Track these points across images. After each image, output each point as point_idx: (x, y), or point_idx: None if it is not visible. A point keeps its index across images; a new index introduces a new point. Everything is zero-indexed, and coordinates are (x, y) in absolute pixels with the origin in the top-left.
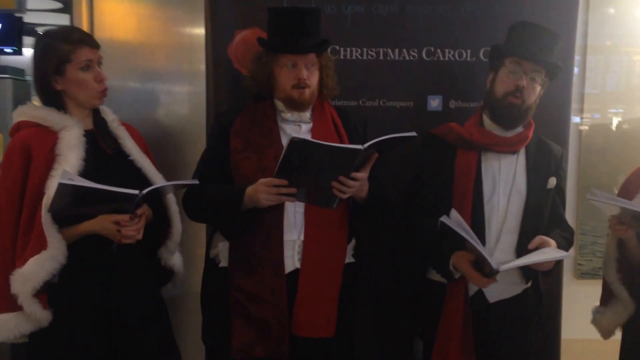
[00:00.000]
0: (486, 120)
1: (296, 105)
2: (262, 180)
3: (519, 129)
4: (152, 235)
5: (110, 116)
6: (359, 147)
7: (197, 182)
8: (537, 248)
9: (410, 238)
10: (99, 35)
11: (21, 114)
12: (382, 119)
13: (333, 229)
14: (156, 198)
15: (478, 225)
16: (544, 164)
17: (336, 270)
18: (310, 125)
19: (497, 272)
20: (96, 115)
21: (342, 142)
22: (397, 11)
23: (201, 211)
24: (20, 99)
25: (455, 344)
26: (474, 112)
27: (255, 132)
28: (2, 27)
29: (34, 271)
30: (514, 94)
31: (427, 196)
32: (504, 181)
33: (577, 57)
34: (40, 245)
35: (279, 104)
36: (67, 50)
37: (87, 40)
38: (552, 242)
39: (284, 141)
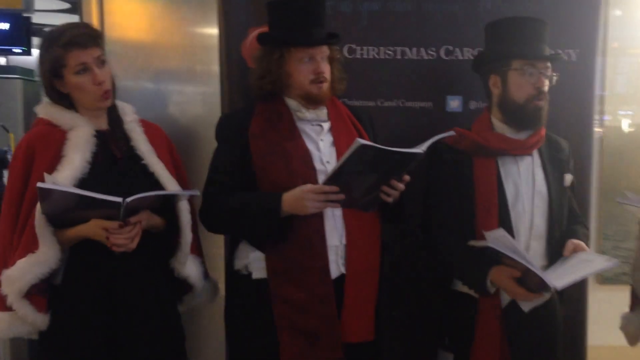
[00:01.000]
0: (497, 124)
1: (315, 101)
2: (309, 187)
3: (530, 130)
4: (167, 246)
5: (129, 116)
6: (420, 151)
7: (197, 192)
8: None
9: (433, 253)
10: (110, 34)
11: (39, 110)
12: (400, 119)
13: (370, 230)
14: (169, 206)
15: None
16: (558, 161)
17: (376, 271)
18: (329, 124)
19: (552, 289)
20: (112, 114)
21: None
22: (414, 9)
23: (226, 222)
24: (30, 99)
25: (493, 358)
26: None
27: (275, 135)
28: (10, 27)
29: (19, 274)
30: (537, 97)
31: (448, 209)
32: (525, 185)
33: None
34: (30, 247)
35: (293, 103)
36: (59, 55)
37: (79, 41)
38: (583, 245)
39: (308, 143)
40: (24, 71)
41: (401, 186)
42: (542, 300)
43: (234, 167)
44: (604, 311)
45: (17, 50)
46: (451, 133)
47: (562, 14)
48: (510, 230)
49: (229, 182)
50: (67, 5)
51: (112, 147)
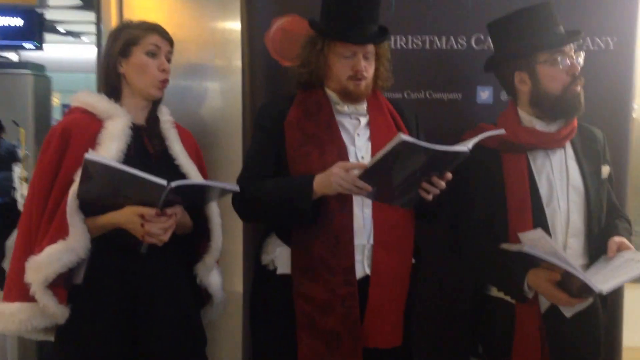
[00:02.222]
0: (525, 117)
1: (351, 97)
2: (340, 164)
3: (561, 121)
4: (190, 250)
5: (165, 116)
6: (465, 149)
7: (237, 188)
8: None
9: (465, 256)
10: None
11: (75, 99)
12: (428, 112)
13: (402, 231)
14: (197, 206)
15: None
16: (593, 152)
17: (404, 274)
18: (368, 118)
19: (597, 293)
20: (151, 111)
21: None
22: None
23: (259, 206)
24: (40, 94)
25: None
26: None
27: (312, 126)
28: (23, 23)
29: (48, 261)
30: (573, 83)
31: (478, 211)
32: (559, 180)
33: None
34: (61, 234)
35: (333, 95)
36: (136, 35)
37: (159, 29)
38: (627, 242)
39: (345, 136)
40: (35, 66)
41: (442, 184)
42: (586, 304)
43: (268, 156)
44: (638, 311)
45: (29, 45)
46: (501, 131)
47: (600, 1)
48: (546, 229)
49: (263, 170)
50: (78, 2)
51: (146, 143)
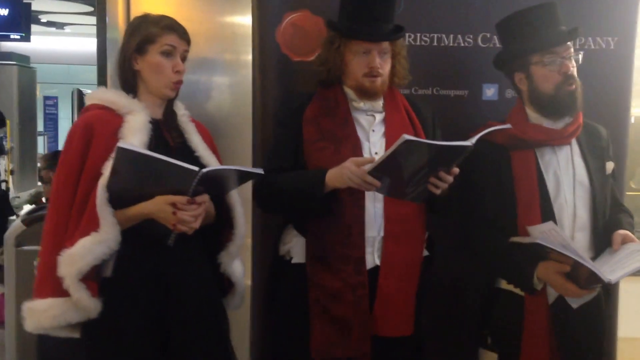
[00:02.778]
0: (532, 114)
1: (367, 94)
2: (353, 159)
3: (567, 118)
4: (213, 240)
5: (181, 110)
6: (469, 143)
7: (261, 170)
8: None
9: (475, 250)
10: None
11: (91, 97)
12: (434, 108)
13: (412, 224)
14: (219, 198)
15: None
16: (598, 149)
17: (415, 266)
18: (384, 114)
19: (606, 283)
20: (168, 107)
21: (416, 133)
22: None
23: (277, 196)
24: (25, 86)
25: (543, 358)
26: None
27: (329, 122)
28: (9, 13)
29: (82, 253)
30: (566, 82)
31: (489, 205)
32: (566, 175)
33: None
34: (92, 226)
35: (350, 92)
36: (154, 33)
37: (178, 29)
38: (631, 235)
39: (360, 132)
40: (20, 57)
41: (450, 178)
42: (592, 295)
43: (287, 150)
44: (633, 303)
45: (16, 36)
46: (507, 125)
47: (601, 1)
48: (554, 223)
49: (282, 164)
50: None
51: (166, 136)
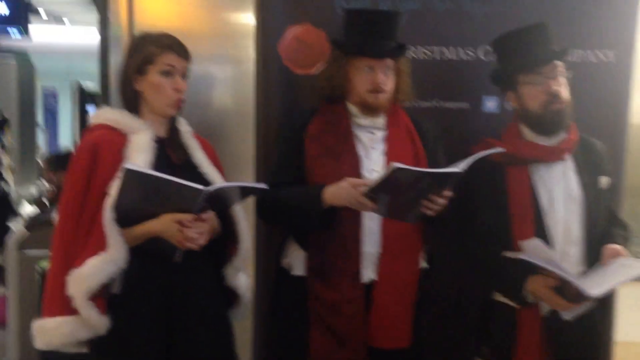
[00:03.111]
0: (526, 132)
1: (371, 110)
2: (349, 180)
3: (562, 134)
4: (218, 253)
5: (184, 127)
6: (458, 170)
7: (264, 186)
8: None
9: (470, 263)
10: (140, 20)
11: (96, 117)
12: (435, 120)
13: (409, 240)
14: (223, 213)
15: (544, 241)
16: (593, 164)
17: (411, 280)
18: (385, 132)
19: (589, 297)
20: (171, 124)
21: (416, 151)
22: (455, 8)
23: (277, 211)
24: (24, 82)
25: None
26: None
27: (330, 138)
28: (8, 9)
29: (91, 273)
30: (552, 101)
31: (484, 219)
32: (559, 190)
33: None
34: (100, 246)
35: (353, 108)
36: (152, 52)
37: (177, 48)
38: (620, 249)
39: (359, 149)
40: (19, 52)
41: (441, 201)
42: (583, 308)
43: (290, 166)
44: (630, 307)
45: (15, 31)
46: (498, 149)
47: (599, 14)
48: (546, 237)
49: (284, 179)
50: None
51: (170, 154)
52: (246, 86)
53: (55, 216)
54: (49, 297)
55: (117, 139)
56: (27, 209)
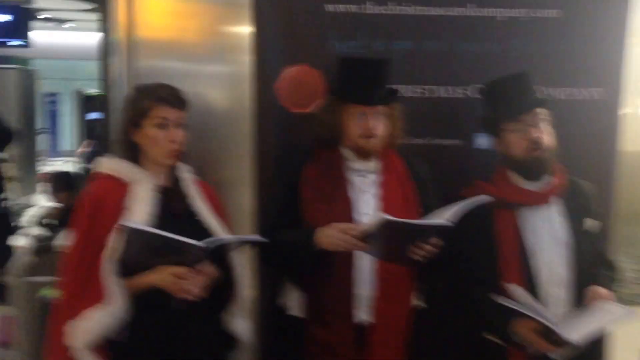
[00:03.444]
0: (513, 177)
1: (364, 154)
2: (341, 226)
3: (548, 178)
4: (217, 299)
5: (185, 175)
6: (446, 223)
7: (260, 238)
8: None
9: (460, 303)
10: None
11: (99, 165)
12: (427, 157)
13: (402, 282)
14: (223, 257)
15: (527, 282)
16: (580, 207)
17: (405, 321)
18: (377, 175)
19: (569, 342)
20: (172, 173)
21: (407, 194)
22: (446, 48)
23: (273, 253)
24: (25, 89)
25: None
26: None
27: (324, 182)
28: (10, 19)
29: (90, 325)
30: (533, 148)
31: (472, 262)
32: (545, 233)
33: None
34: (99, 298)
35: (347, 152)
36: (147, 106)
37: (171, 100)
38: (603, 291)
39: (352, 193)
40: (19, 60)
41: (431, 249)
42: (570, 351)
43: (286, 209)
44: (620, 332)
45: (16, 42)
46: (483, 199)
47: (587, 52)
48: (531, 280)
49: (281, 222)
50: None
51: (170, 203)
52: (245, 121)
53: (59, 242)
54: (51, 347)
55: (118, 190)
56: (32, 230)
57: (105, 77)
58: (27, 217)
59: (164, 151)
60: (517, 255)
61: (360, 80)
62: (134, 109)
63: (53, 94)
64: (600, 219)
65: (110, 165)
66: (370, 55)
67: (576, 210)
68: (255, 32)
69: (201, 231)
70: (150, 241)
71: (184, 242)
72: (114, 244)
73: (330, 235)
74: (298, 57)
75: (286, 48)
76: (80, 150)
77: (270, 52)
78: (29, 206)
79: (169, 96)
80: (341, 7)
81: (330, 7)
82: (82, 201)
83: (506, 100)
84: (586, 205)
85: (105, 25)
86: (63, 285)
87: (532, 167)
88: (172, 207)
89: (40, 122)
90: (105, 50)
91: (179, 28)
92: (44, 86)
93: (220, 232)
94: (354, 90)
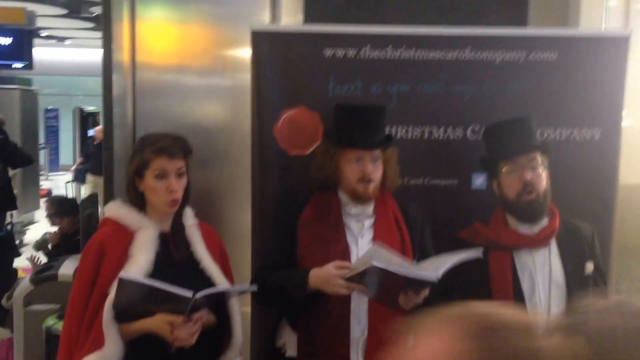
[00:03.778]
0: (510, 219)
1: (361, 198)
2: (336, 262)
3: (544, 221)
4: (213, 344)
5: (190, 220)
6: (433, 277)
7: (255, 288)
8: None
9: None
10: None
11: (108, 210)
12: (426, 196)
13: (395, 322)
14: (220, 303)
15: None
16: (577, 250)
17: None
18: (373, 220)
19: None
20: (176, 218)
21: (403, 238)
22: (442, 90)
23: (268, 294)
24: (28, 108)
25: None
26: None
27: (321, 227)
28: (12, 42)
29: None
30: (525, 190)
31: (466, 302)
32: (541, 276)
33: None
34: (98, 344)
35: (344, 197)
36: (147, 158)
37: (169, 150)
38: None
39: (349, 237)
40: (22, 81)
41: (417, 299)
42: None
43: (283, 250)
44: None
45: (19, 65)
46: (477, 254)
47: (585, 93)
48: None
49: (276, 262)
50: (64, 11)
51: (172, 250)
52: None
53: (61, 271)
54: None
55: (123, 236)
56: (34, 255)
57: (107, 94)
58: (29, 237)
59: (163, 200)
60: (511, 298)
61: (356, 125)
62: (137, 160)
63: (54, 110)
64: (598, 261)
65: (117, 211)
66: (365, 102)
67: (574, 254)
68: (254, 74)
69: (202, 278)
70: (145, 291)
71: (173, 293)
72: (114, 293)
73: (322, 277)
74: (297, 100)
75: (285, 91)
76: (73, 167)
77: (269, 94)
78: (31, 223)
79: (168, 147)
80: (340, 52)
81: (328, 52)
82: (87, 248)
83: (503, 142)
84: (585, 248)
85: (107, 42)
86: (64, 330)
87: (526, 210)
88: (175, 254)
89: (41, 137)
90: (107, 68)
91: (180, 49)
92: (45, 102)
93: (221, 279)
94: (350, 135)
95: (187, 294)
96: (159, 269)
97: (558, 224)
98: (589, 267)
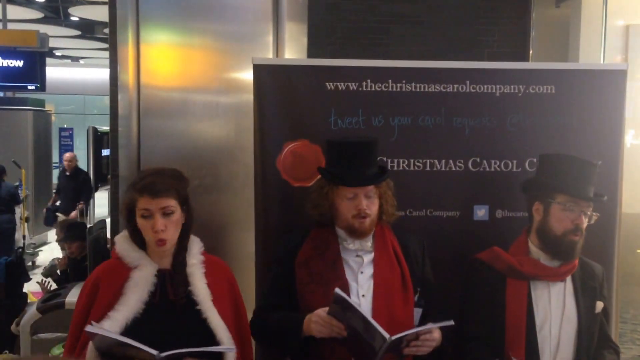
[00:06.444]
0: (533, 248)
1: (357, 234)
2: (318, 313)
3: (564, 261)
4: None
5: (193, 258)
6: (387, 337)
7: (233, 348)
8: None
9: None
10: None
11: (116, 242)
12: (428, 228)
13: None
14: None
15: (531, 354)
16: (590, 288)
17: None
18: (372, 255)
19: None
20: (178, 255)
21: (403, 273)
22: (443, 123)
23: (265, 335)
24: (40, 130)
25: None
26: (520, 223)
27: (319, 264)
28: (24, 64)
29: None
30: (574, 232)
31: (478, 324)
32: (555, 310)
33: None
34: None
35: (341, 232)
36: (133, 198)
37: (151, 190)
38: None
39: (348, 274)
40: (35, 102)
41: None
42: None
43: (281, 290)
44: None
45: (31, 87)
46: (450, 322)
47: (585, 124)
48: (535, 352)
49: (275, 302)
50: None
51: (168, 289)
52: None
53: (68, 299)
54: None
55: (120, 273)
56: (43, 280)
57: (113, 114)
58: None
59: (150, 240)
60: (524, 326)
61: (349, 162)
62: (127, 199)
63: (69, 129)
64: (606, 302)
65: (120, 246)
66: (357, 136)
67: (588, 292)
68: (257, 106)
69: (197, 320)
70: (115, 342)
71: (138, 349)
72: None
73: (315, 322)
74: (299, 132)
75: (287, 123)
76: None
77: (271, 126)
78: (44, 244)
79: (151, 186)
80: (341, 85)
81: (330, 85)
82: (86, 283)
83: (570, 176)
84: (598, 287)
85: (113, 63)
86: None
87: (566, 250)
88: (171, 294)
89: (55, 156)
90: (115, 92)
91: (184, 70)
92: (59, 120)
93: (217, 322)
94: (343, 173)
95: (152, 351)
96: (152, 309)
97: (577, 261)
98: (599, 305)
